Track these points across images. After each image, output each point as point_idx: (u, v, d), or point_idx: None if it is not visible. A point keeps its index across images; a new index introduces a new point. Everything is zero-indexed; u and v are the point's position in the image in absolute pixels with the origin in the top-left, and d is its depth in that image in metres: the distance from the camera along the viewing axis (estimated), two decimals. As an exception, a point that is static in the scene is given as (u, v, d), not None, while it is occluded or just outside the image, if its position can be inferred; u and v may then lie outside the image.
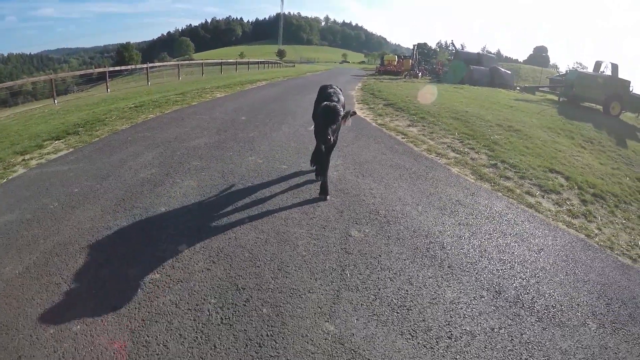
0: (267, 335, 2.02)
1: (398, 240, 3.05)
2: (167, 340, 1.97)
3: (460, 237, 3.23)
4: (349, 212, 3.47)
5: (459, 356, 2.02)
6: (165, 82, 17.86)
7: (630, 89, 14.67)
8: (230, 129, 6.37)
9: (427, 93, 13.09)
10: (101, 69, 16.92)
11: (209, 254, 2.73)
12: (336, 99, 3.56)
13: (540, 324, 2.35)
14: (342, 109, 3.39)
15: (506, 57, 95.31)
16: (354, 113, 3.57)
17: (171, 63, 25.82)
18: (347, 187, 4.04)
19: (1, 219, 3.32)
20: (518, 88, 21.53)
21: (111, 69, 17.63)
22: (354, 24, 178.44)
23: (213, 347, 1.94)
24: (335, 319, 2.17)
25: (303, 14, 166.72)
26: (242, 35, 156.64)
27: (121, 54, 75.88)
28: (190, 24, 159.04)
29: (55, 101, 12.63)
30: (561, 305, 2.56)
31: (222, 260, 2.66)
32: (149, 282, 2.42)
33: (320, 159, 3.94)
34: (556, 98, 16.03)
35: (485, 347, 2.10)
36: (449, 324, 2.22)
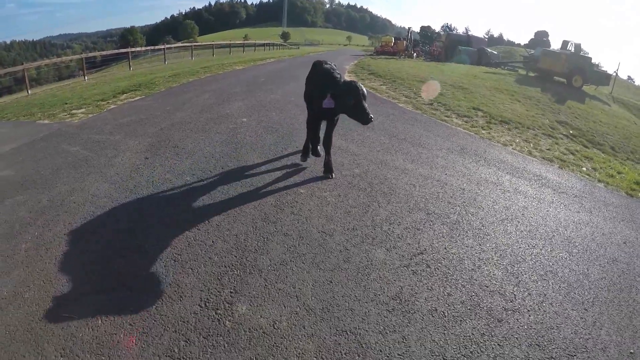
0: (288, 137, 4.89)
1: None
2: (245, 136, 4.84)
3: (384, 122, 6.06)
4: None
5: (362, 148, 4.84)
6: (179, 62, 19.44)
7: (594, 65, 16.94)
8: (255, 84, 9.17)
9: (410, 68, 15.67)
10: (125, 50, 19.19)
11: (257, 121, 5.64)
12: (338, 75, 3.64)
13: (412, 145, 5.14)
14: None
15: (508, 40, 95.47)
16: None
17: (185, 44, 27.71)
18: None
19: (126, 119, 5.98)
20: (502, 66, 23.85)
21: (133, 49, 20.06)
22: (358, 6, 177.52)
23: (263, 140, 4.81)
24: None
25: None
26: (247, 17, 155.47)
27: (125, 38, 76.13)
28: (194, 7, 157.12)
29: (86, 78, 13.75)
30: (429, 145, 5.31)
31: (263, 122, 5.59)
32: (231, 129, 5.28)
33: (326, 138, 4.00)
34: (528, 73, 18.31)
35: (377, 145, 4.91)
36: (363, 140, 5.07)
